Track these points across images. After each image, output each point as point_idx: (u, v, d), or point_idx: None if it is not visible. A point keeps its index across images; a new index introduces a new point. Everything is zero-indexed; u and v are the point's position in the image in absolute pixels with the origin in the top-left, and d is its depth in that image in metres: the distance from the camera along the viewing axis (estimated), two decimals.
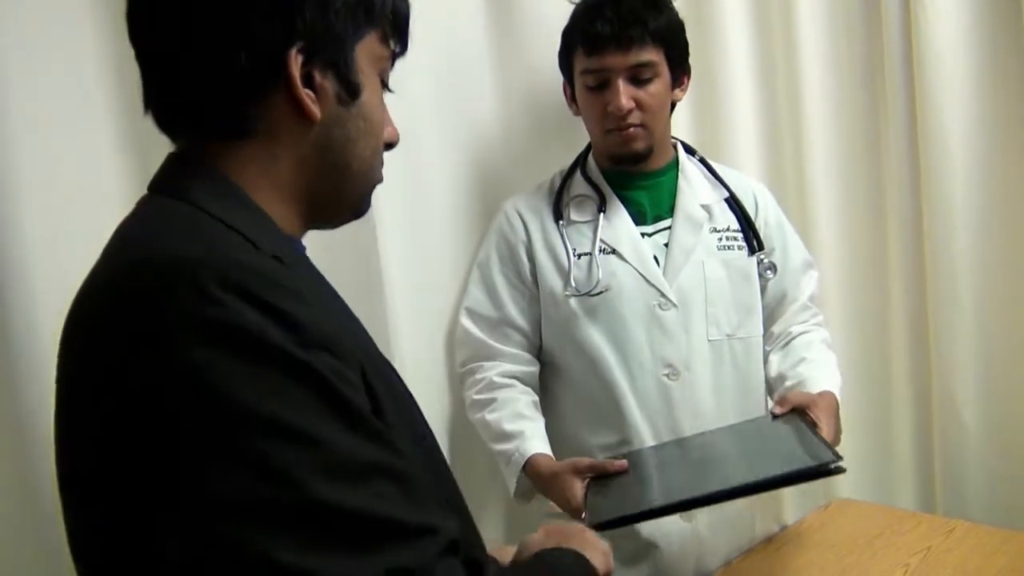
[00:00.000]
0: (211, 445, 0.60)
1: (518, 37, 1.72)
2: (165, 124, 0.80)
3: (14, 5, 1.24)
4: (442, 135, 1.63)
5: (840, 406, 1.46)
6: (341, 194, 0.84)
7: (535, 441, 1.48)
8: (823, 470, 1.16)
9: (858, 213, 2.06)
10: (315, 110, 0.77)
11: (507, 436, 1.49)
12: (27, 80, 1.24)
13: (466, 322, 1.59)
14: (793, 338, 1.63)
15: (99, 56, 1.30)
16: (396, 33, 0.84)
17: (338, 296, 0.82)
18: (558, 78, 1.62)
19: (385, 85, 0.86)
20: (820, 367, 1.55)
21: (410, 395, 0.83)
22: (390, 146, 0.88)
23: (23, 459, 1.23)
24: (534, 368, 1.59)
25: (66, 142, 1.30)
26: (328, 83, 0.78)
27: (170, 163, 0.80)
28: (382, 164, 0.88)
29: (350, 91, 0.80)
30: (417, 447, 0.77)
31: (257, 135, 0.77)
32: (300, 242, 0.85)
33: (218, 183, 0.76)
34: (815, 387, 1.48)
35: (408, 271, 1.55)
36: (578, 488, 1.36)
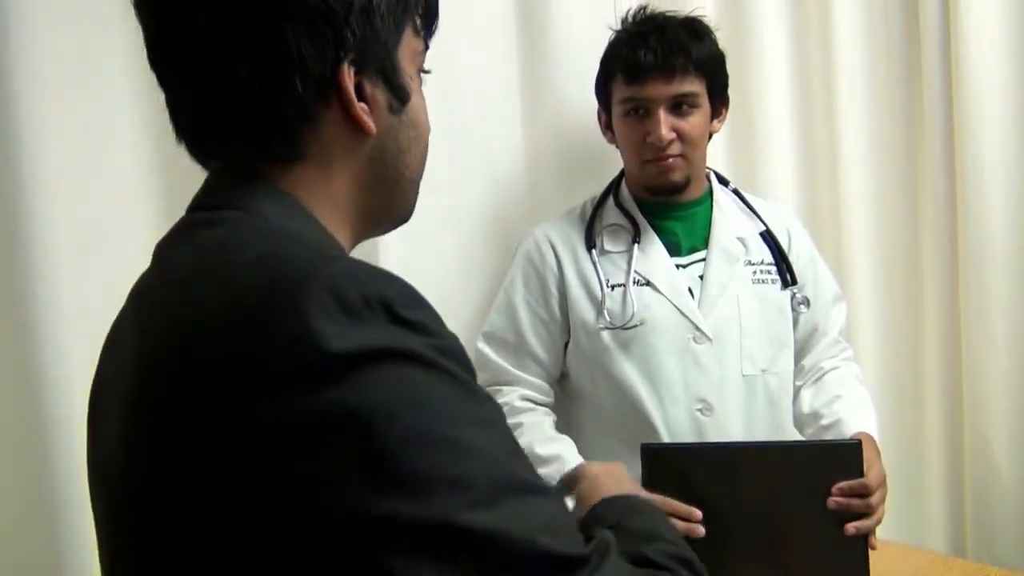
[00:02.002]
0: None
1: (546, 63, 1.72)
2: (203, 152, 0.75)
3: (48, 25, 1.25)
4: (465, 163, 1.63)
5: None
6: (393, 205, 0.81)
7: (573, 459, 1.45)
8: None
9: (893, 247, 2.03)
10: (371, 124, 0.73)
11: (543, 460, 1.46)
12: (57, 97, 1.26)
13: (483, 347, 1.57)
14: (825, 373, 1.60)
15: (129, 78, 1.31)
16: (426, 20, 0.80)
17: None
18: (584, 105, 1.61)
19: (421, 71, 0.81)
20: (855, 406, 1.52)
21: None
22: None
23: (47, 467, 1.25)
24: (551, 399, 1.57)
25: (94, 160, 1.31)
26: (379, 93, 0.74)
27: (217, 180, 0.75)
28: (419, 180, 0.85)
29: (400, 97, 0.76)
30: None
31: (310, 156, 0.73)
32: None
33: (288, 200, 0.72)
34: (851, 428, 1.46)
35: (429, 299, 1.54)
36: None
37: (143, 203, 1.38)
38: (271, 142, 0.71)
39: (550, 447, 1.47)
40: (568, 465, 1.43)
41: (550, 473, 1.45)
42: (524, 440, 1.49)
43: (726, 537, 1.29)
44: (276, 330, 0.57)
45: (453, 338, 0.64)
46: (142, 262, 1.33)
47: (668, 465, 1.32)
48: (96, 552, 0.74)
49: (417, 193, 0.83)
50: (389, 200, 0.80)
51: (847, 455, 1.29)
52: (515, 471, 0.62)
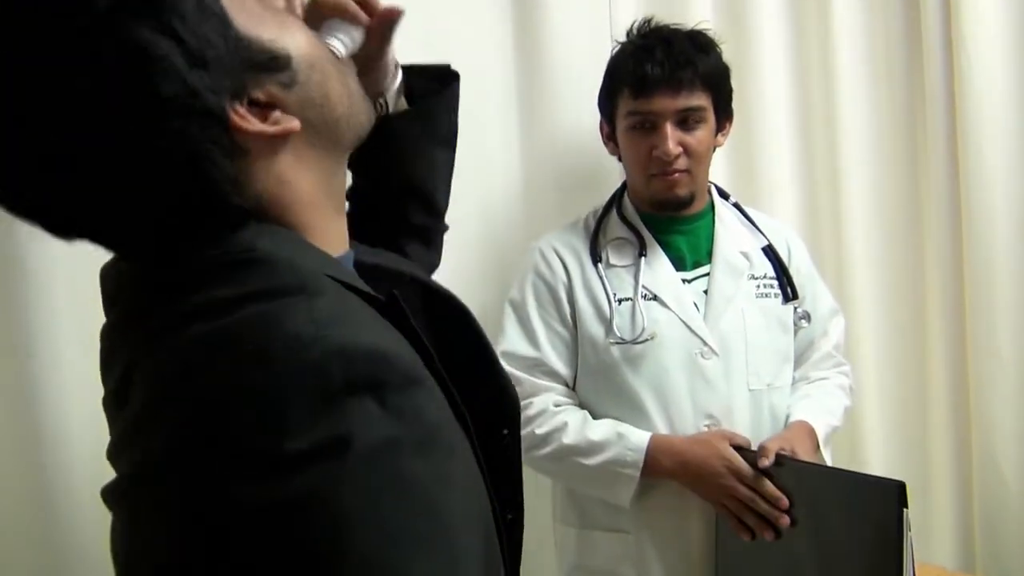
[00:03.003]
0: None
1: (541, 77, 1.72)
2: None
3: None
4: (460, 177, 1.61)
5: (819, 438, 1.47)
6: (349, 134, 0.76)
7: (636, 433, 1.43)
8: None
9: (896, 262, 2.02)
10: (291, 124, 0.68)
11: (601, 446, 1.43)
12: None
13: (503, 364, 1.53)
14: (810, 382, 1.60)
15: None
16: None
17: None
18: (580, 118, 1.60)
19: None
20: (812, 406, 1.53)
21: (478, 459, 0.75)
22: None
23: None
24: (575, 402, 1.53)
25: None
26: (269, 85, 0.68)
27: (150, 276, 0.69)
28: (349, 67, 0.79)
29: (283, 64, 0.68)
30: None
31: (267, 192, 0.69)
32: (351, 254, 0.78)
33: (267, 229, 0.68)
34: (794, 418, 1.48)
35: None
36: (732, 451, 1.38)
37: None
38: (219, 222, 0.67)
39: (601, 431, 1.44)
40: (632, 439, 1.42)
41: (616, 453, 1.42)
42: (574, 434, 1.45)
43: (770, 547, 1.36)
44: (256, 410, 0.57)
45: (438, 415, 0.62)
46: None
47: None
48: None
49: (360, 95, 0.78)
50: (343, 138, 0.75)
51: (885, 492, 1.25)
52: None
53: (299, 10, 0.76)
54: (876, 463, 1.95)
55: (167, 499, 0.59)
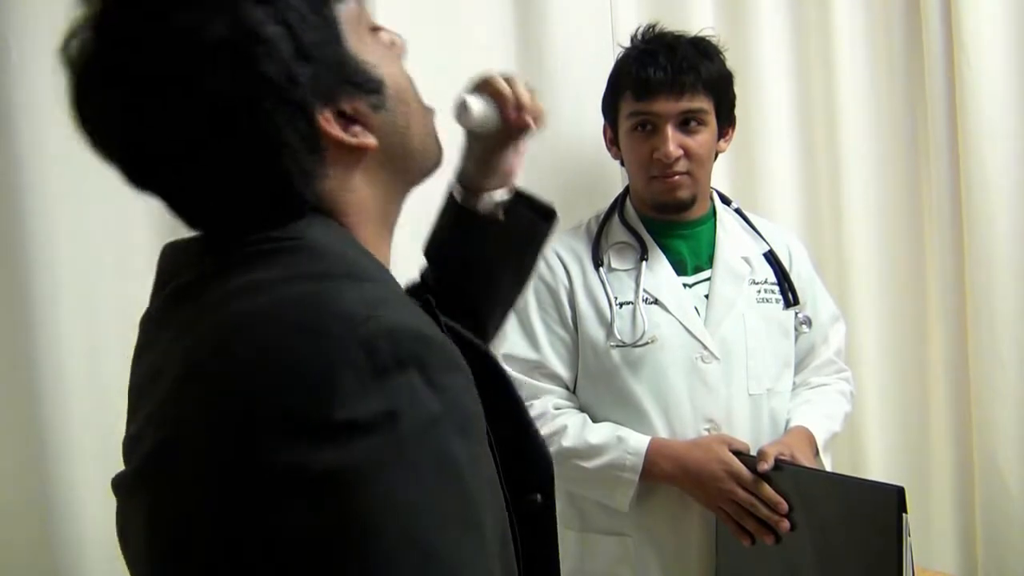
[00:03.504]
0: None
1: (544, 83, 1.72)
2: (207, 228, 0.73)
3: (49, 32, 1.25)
4: None
5: (818, 443, 1.48)
6: (418, 169, 0.80)
7: (635, 436, 1.44)
8: None
9: (897, 266, 2.02)
10: (370, 141, 0.72)
11: (601, 449, 1.44)
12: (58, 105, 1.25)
13: (504, 367, 1.54)
14: (811, 388, 1.61)
15: None
16: None
17: None
18: (582, 124, 1.61)
19: (375, 28, 0.78)
20: (812, 411, 1.53)
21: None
22: None
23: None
24: (576, 405, 1.54)
25: (95, 167, 1.30)
26: (358, 103, 0.72)
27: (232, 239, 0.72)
28: (432, 112, 0.82)
29: (376, 90, 0.73)
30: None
31: (328, 198, 0.72)
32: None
33: (335, 227, 0.71)
34: (793, 422, 1.49)
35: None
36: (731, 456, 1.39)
37: (143, 205, 1.37)
38: (285, 215, 0.70)
39: (600, 433, 1.45)
40: (631, 443, 1.43)
41: (615, 457, 1.43)
42: (573, 437, 1.45)
43: (770, 552, 1.36)
44: (304, 378, 0.58)
45: (475, 407, 0.64)
46: (144, 270, 1.35)
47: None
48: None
49: (435, 137, 0.82)
50: (415, 172, 0.80)
51: (884, 497, 1.25)
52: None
53: (399, 52, 0.80)
54: (877, 468, 1.95)
55: (201, 469, 0.60)
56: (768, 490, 1.36)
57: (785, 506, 1.35)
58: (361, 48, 0.73)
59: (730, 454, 1.40)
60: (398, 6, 1.42)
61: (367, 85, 0.72)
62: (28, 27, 1.25)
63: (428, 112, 0.81)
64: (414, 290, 0.87)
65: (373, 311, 0.61)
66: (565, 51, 1.72)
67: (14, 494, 1.32)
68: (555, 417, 1.48)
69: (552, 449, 1.44)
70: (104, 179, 1.29)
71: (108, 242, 1.36)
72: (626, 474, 1.42)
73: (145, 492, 0.65)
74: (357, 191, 0.74)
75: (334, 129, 0.70)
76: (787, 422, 1.53)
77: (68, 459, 1.32)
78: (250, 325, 0.62)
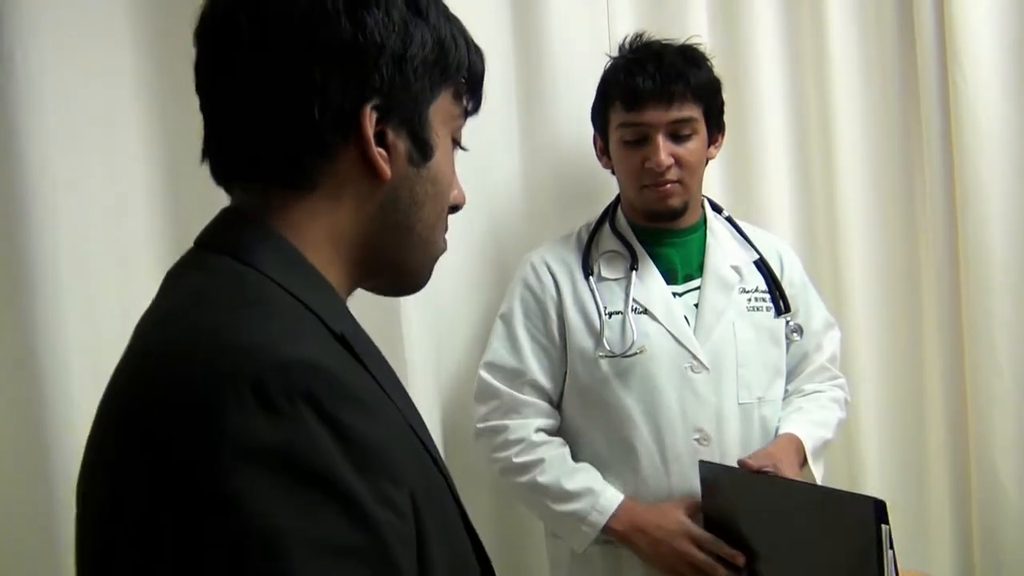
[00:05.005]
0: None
1: (542, 91, 1.73)
2: (223, 175, 0.77)
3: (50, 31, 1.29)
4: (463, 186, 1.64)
5: (807, 451, 1.49)
6: (401, 258, 0.80)
7: (608, 493, 1.46)
8: None
9: (892, 274, 2.02)
10: (386, 169, 0.74)
11: (573, 496, 1.45)
12: (58, 104, 1.30)
13: (486, 375, 1.55)
14: (805, 394, 1.61)
15: (132, 81, 1.37)
16: (470, 90, 0.81)
17: (388, 367, 0.78)
18: (580, 131, 1.61)
19: (457, 143, 0.83)
20: (803, 418, 1.54)
21: (450, 490, 0.77)
22: (455, 208, 0.84)
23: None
24: (558, 421, 1.56)
25: (96, 167, 1.36)
26: (401, 142, 0.75)
27: (226, 218, 0.77)
28: (446, 230, 0.84)
29: (423, 152, 0.76)
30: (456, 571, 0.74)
31: (321, 189, 0.74)
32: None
33: (281, 246, 0.73)
34: (784, 430, 1.50)
35: (426, 326, 1.56)
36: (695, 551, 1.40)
37: (146, 213, 1.41)
38: (285, 167, 0.73)
39: (577, 480, 1.47)
40: (601, 500, 1.44)
41: (583, 508, 1.44)
42: (550, 476, 1.47)
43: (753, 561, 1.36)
44: (194, 415, 0.60)
45: (375, 439, 0.63)
46: (144, 270, 1.37)
47: (718, 483, 1.41)
48: None
49: (430, 261, 0.83)
50: (396, 249, 0.79)
51: (862, 508, 1.22)
52: None
53: (454, 172, 0.84)
54: (873, 474, 1.95)
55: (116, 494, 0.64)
56: (725, 548, 1.38)
57: (742, 559, 1.36)
58: (436, 126, 0.77)
59: (686, 517, 1.42)
60: None
61: (419, 136, 0.76)
62: (32, 31, 1.28)
63: (441, 234, 0.83)
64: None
65: (271, 345, 0.62)
66: (562, 58, 1.73)
67: (15, 495, 1.33)
68: (535, 447, 1.49)
69: (526, 479, 1.47)
70: (104, 179, 1.34)
71: (107, 241, 1.38)
72: (585, 527, 1.44)
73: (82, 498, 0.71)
74: (340, 211, 0.75)
75: (367, 125, 0.72)
76: (776, 430, 1.53)
77: (68, 461, 1.34)
78: (164, 355, 0.66)
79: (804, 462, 1.47)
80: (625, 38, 1.55)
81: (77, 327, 1.33)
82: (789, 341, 1.58)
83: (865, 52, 1.98)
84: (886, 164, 2.00)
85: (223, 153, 0.76)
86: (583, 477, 1.47)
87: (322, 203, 0.74)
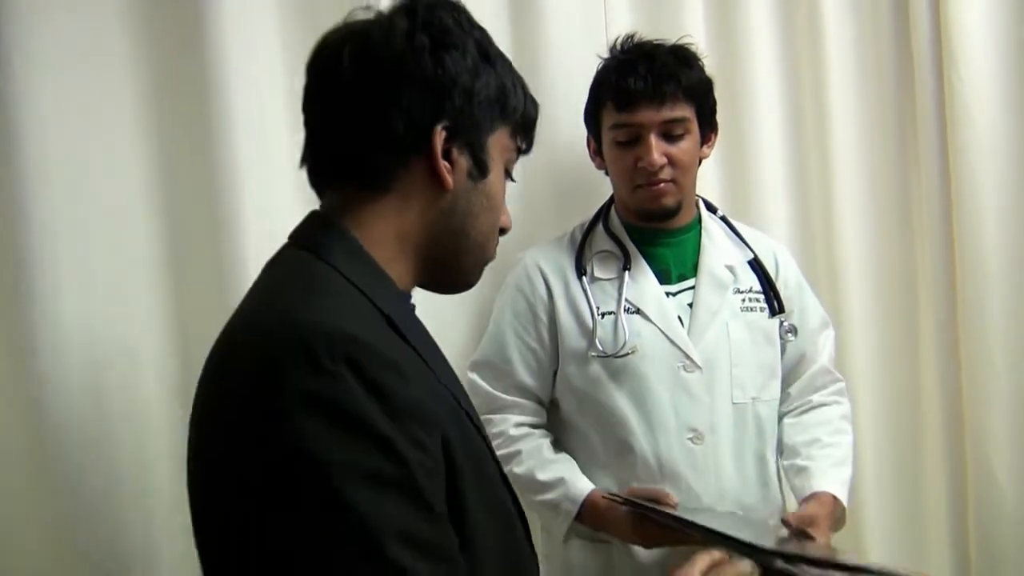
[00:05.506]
0: (299, 500, 0.75)
1: (539, 91, 1.68)
2: (317, 180, 0.95)
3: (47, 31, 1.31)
4: None
5: (843, 503, 1.49)
6: (456, 259, 0.96)
7: (580, 483, 1.47)
8: None
9: (888, 274, 2.02)
10: (449, 179, 0.90)
11: (546, 486, 1.47)
12: (57, 103, 1.33)
13: (473, 375, 1.57)
14: (812, 408, 1.61)
15: (130, 80, 1.38)
16: (524, 132, 0.98)
17: (435, 346, 0.94)
18: (577, 132, 1.62)
19: (509, 175, 0.99)
20: (828, 458, 1.53)
21: (489, 450, 0.93)
22: (502, 232, 1.00)
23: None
24: (543, 419, 1.57)
25: (93, 165, 1.37)
26: (463, 159, 0.91)
27: (312, 219, 0.95)
28: (496, 243, 1.00)
29: (480, 169, 0.93)
30: (491, 515, 0.88)
31: (394, 192, 0.90)
32: (409, 295, 0.96)
33: (351, 245, 0.89)
34: (815, 484, 1.48)
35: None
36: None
37: (144, 214, 1.42)
38: (368, 171, 0.90)
39: (550, 471, 1.48)
40: (572, 489, 1.45)
41: (555, 497, 1.45)
42: (525, 467, 1.49)
43: None
44: (264, 372, 0.78)
45: (406, 394, 0.78)
46: (142, 270, 1.39)
47: None
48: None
49: (481, 265, 0.99)
50: (452, 251, 0.95)
51: None
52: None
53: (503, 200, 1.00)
54: (869, 474, 1.95)
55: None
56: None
57: (675, 497, 1.34)
58: (493, 153, 0.94)
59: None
60: None
61: (478, 157, 0.93)
62: (30, 36, 1.29)
63: (493, 244, 0.99)
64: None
65: (321, 321, 0.79)
66: (559, 59, 1.73)
67: (15, 495, 1.34)
68: (513, 441, 1.51)
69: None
70: (103, 182, 1.35)
71: (105, 242, 1.39)
72: (560, 517, 1.46)
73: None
74: (407, 213, 0.91)
75: (437, 141, 0.89)
76: (795, 459, 1.54)
77: (67, 460, 1.35)
78: (247, 328, 0.86)
79: (836, 523, 1.47)
80: (616, 39, 1.56)
81: (79, 324, 1.34)
82: (784, 342, 1.58)
83: (861, 52, 1.98)
84: (882, 164, 2.00)
85: (319, 161, 0.94)
86: (556, 468, 1.48)
87: (393, 205, 0.90)
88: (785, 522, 1.39)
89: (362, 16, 0.94)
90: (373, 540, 0.74)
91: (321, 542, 0.74)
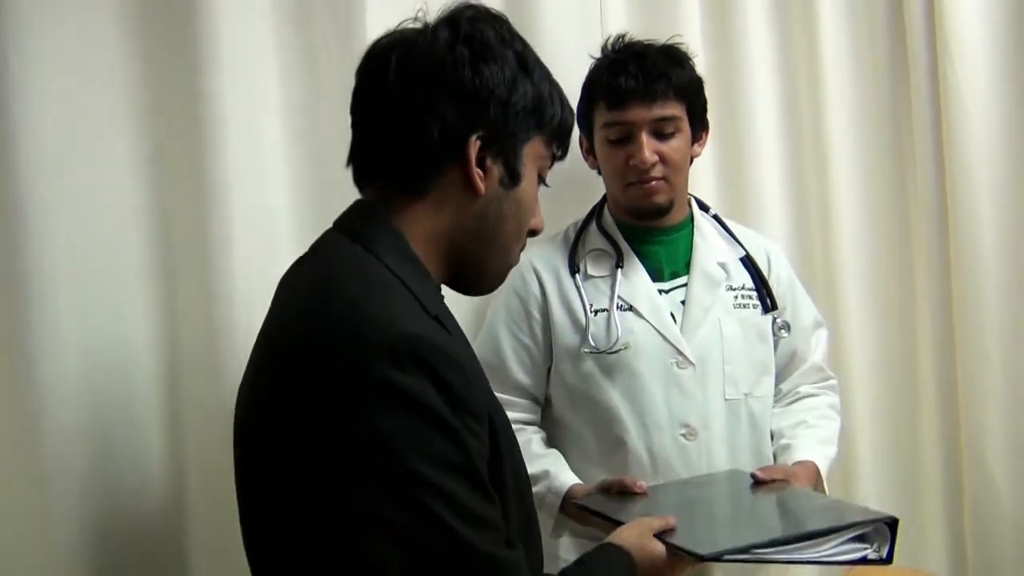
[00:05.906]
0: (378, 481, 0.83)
1: None
2: (360, 177, 1.00)
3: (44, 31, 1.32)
4: None
5: (822, 476, 1.49)
6: (483, 261, 1.01)
7: (563, 476, 1.47)
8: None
9: (884, 272, 2.03)
10: (481, 186, 0.95)
11: (531, 479, 1.45)
12: (54, 103, 1.33)
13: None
14: (801, 398, 1.62)
15: (125, 80, 1.39)
16: (559, 140, 1.02)
17: (461, 332, 1.00)
18: (575, 129, 1.62)
19: (542, 180, 1.03)
20: (813, 436, 1.54)
21: (513, 435, 1.00)
22: (533, 233, 1.05)
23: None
24: (536, 416, 1.58)
25: (89, 164, 1.37)
26: (496, 168, 0.96)
27: (359, 209, 1.00)
28: (522, 248, 1.05)
29: (512, 178, 0.97)
30: (516, 486, 0.95)
31: (430, 196, 0.95)
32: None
33: (397, 240, 0.95)
34: (798, 455, 1.48)
35: None
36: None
37: (142, 215, 1.43)
38: (407, 174, 0.95)
39: (537, 465, 1.48)
40: (556, 482, 1.46)
41: (540, 491, 1.45)
42: None
43: None
44: (350, 362, 0.85)
45: (466, 390, 0.87)
46: (140, 271, 1.39)
47: None
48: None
49: (505, 269, 1.04)
50: (480, 254, 1.00)
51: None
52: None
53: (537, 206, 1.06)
54: (866, 472, 1.96)
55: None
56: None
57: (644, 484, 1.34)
58: (527, 161, 0.98)
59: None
60: (388, 12, 1.45)
61: (511, 165, 0.97)
62: (26, 37, 1.30)
63: (517, 249, 1.04)
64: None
65: (400, 321, 0.86)
66: (554, 58, 1.71)
67: (14, 495, 1.35)
68: None
69: None
70: (101, 182, 1.36)
71: (103, 242, 1.39)
72: (544, 509, 1.45)
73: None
74: (441, 216, 0.96)
75: (472, 150, 0.94)
76: (780, 440, 1.54)
77: (65, 460, 1.35)
78: (320, 312, 0.90)
79: (816, 486, 1.47)
80: (608, 39, 1.57)
81: (75, 327, 1.35)
82: (777, 338, 1.59)
83: (856, 50, 1.99)
84: (878, 162, 2.01)
85: (363, 160, 0.99)
86: (543, 462, 1.49)
87: (429, 207, 0.95)
88: (755, 476, 1.38)
89: (411, 25, 0.98)
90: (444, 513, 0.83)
91: (397, 514, 0.83)
